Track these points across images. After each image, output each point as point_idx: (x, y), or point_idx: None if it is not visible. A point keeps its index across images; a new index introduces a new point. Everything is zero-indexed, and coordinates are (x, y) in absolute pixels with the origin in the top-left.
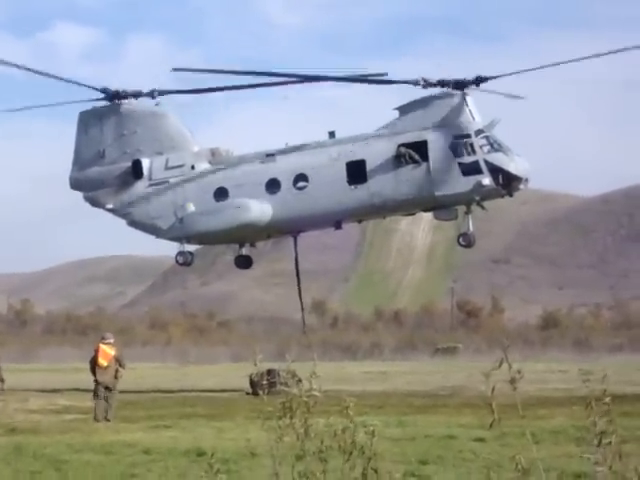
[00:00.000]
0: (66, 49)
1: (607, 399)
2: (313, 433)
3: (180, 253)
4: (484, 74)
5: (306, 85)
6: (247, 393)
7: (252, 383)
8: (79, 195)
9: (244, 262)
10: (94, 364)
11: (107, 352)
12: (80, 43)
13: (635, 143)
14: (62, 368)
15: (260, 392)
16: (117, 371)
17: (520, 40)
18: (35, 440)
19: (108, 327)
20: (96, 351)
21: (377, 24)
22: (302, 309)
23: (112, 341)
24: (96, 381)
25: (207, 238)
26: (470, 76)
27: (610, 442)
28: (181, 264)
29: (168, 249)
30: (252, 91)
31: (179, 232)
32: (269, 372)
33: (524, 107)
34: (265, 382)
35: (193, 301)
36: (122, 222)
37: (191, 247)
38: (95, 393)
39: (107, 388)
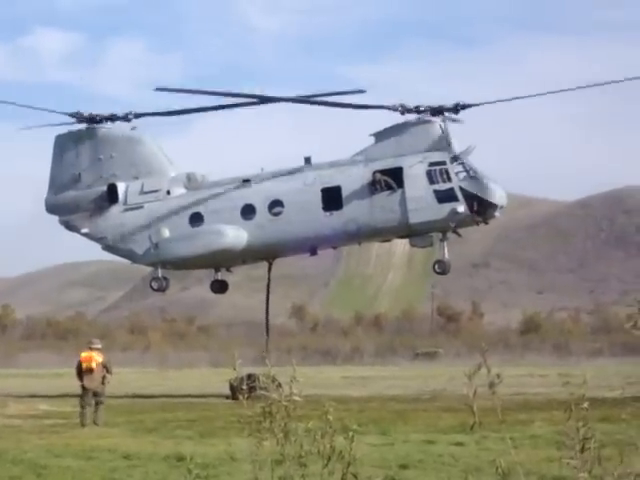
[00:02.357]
0: (46, 54)
1: (585, 404)
2: (293, 438)
3: (155, 279)
4: (463, 101)
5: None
6: (227, 398)
7: (232, 388)
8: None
9: (219, 287)
10: (80, 370)
11: (93, 357)
12: (60, 48)
13: (614, 147)
14: (42, 373)
15: (240, 397)
16: (104, 377)
17: (501, 44)
18: (15, 445)
19: (88, 332)
20: (81, 357)
21: (357, 29)
22: (267, 334)
23: (99, 346)
24: (83, 387)
25: (182, 263)
26: (448, 103)
27: (589, 447)
28: (155, 290)
29: None
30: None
31: (154, 257)
32: (249, 377)
33: (503, 113)
34: (245, 387)
35: (173, 306)
36: None
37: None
38: (82, 399)
39: (95, 394)
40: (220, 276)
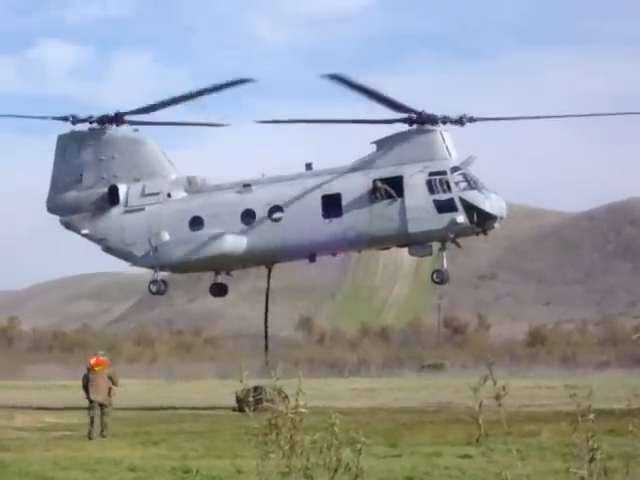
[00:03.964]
0: (53, 66)
1: (591, 416)
2: (299, 450)
3: (153, 282)
4: (470, 114)
5: None
6: (233, 410)
7: (238, 400)
8: None
9: (219, 290)
10: (87, 383)
11: (100, 360)
12: (67, 60)
13: (621, 159)
14: (48, 385)
15: (246, 409)
16: (110, 389)
17: (508, 56)
18: (21, 457)
19: (94, 344)
20: (88, 369)
21: (364, 41)
22: (266, 338)
23: (105, 359)
24: (89, 399)
25: (181, 267)
26: (453, 115)
27: (596, 458)
28: (154, 293)
29: None
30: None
31: (153, 260)
32: (255, 389)
33: (510, 124)
34: (251, 399)
35: (179, 318)
36: None
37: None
38: (89, 411)
39: (101, 405)
40: (220, 279)
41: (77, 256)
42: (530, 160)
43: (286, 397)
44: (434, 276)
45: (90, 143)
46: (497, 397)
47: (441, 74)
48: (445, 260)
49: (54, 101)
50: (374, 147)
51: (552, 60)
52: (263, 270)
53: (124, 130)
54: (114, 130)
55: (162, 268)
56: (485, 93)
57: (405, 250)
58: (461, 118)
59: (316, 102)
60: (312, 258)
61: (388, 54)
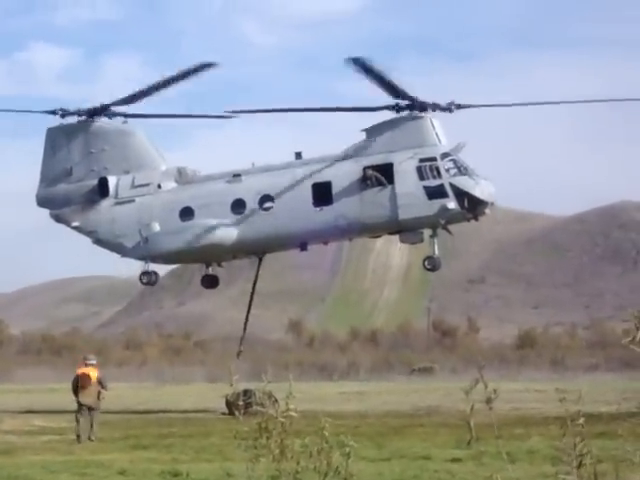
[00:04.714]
0: (43, 69)
1: (581, 420)
2: (289, 454)
3: (144, 273)
4: (458, 100)
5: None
6: (223, 413)
7: (228, 403)
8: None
9: (210, 282)
10: (76, 386)
11: (89, 374)
12: (57, 63)
13: (610, 163)
14: (37, 389)
15: (236, 412)
16: (99, 392)
17: (499, 59)
18: (10, 461)
19: (84, 347)
20: (78, 373)
21: (355, 44)
22: (244, 329)
23: (94, 362)
24: (78, 402)
25: (172, 258)
26: (443, 101)
27: (585, 462)
28: (145, 284)
29: None
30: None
31: (144, 251)
32: (245, 392)
33: (500, 127)
34: (241, 402)
35: (169, 321)
36: None
37: (158, 267)
38: (77, 414)
39: (90, 409)
40: (211, 271)
41: (66, 259)
42: (519, 164)
43: (276, 401)
44: (426, 263)
45: (79, 136)
46: (488, 401)
47: (433, 77)
48: (436, 247)
49: (43, 104)
50: (364, 135)
51: (544, 63)
52: (252, 273)
53: (114, 122)
54: (103, 122)
55: (153, 259)
56: (477, 96)
57: (394, 254)
58: (449, 105)
59: (306, 105)
60: (303, 247)
61: (379, 57)
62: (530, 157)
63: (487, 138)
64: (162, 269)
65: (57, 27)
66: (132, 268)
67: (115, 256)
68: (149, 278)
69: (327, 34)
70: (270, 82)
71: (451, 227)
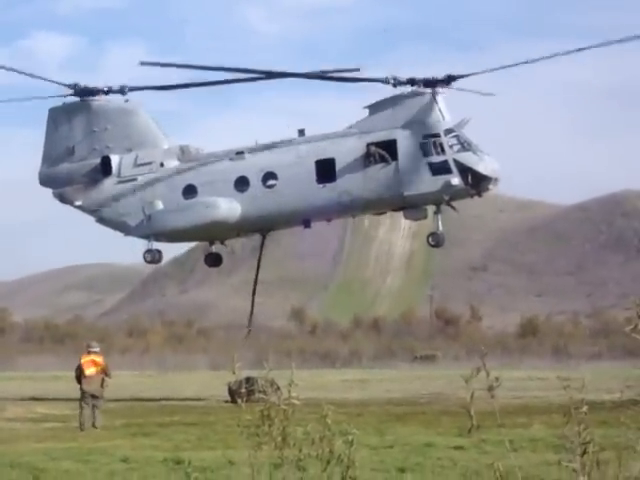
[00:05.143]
0: (46, 57)
1: (584, 408)
2: (291, 441)
3: (148, 251)
4: (454, 73)
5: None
6: (226, 401)
7: (231, 391)
8: (56, 202)
9: (214, 260)
10: (80, 373)
11: (94, 361)
12: (60, 51)
13: (613, 151)
14: (40, 376)
15: (239, 400)
16: (103, 380)
17: (498, 49)
18: (12, 448)
19: (86, 335)
20: (83, 362)
21: (357, 33)
22: (252, 307)
23: (98, 350)
24: (82, 390)
25: (175, 236)
26: (440, 75)
27: (588, 450)
28: (149, 262)
29: None
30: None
31: (147, 229)
32: (248, 380)
33: (502, 115)
34: (244, 390)
35: (172, 309)
36: (101, 230)
37: (161, 247)
38: (81, 402)
39: (93, 396)
40: (215, 249)
41: (69, 247)
42: (522, 152)
43: (278, 388)
44: (430, 239)
45: (82, 115)
46: (490, 389)
47: (433, 66)
48: (440, 223)
49: (46, 93)
50: (366, 112)
51: (543, 52)
52: (254, 262)
53: (116, 101)
54: (105, 101)
55: (156, 237)
56: (477, 85)
57: (397, 242)
58: (448, 77)
59: (309, 93)
60: (307, 224)
61: (380, 46)
62: (532, 145)
63: (489, 126)
64: (165, 256)
65: (60, 15)
66: (135, 256)
67: (118, 244)
68: (153, 256)
69: (330, 22)
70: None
71: (454, 213)
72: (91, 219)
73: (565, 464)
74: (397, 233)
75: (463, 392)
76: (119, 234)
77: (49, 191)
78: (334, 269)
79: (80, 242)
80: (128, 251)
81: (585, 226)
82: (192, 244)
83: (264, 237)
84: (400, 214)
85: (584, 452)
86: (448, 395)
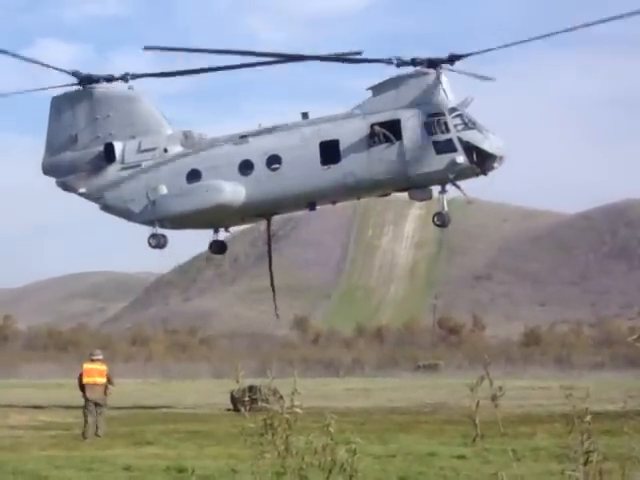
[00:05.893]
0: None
1: (588, 418)
2: (294, 450)
3: (153, 236)
4: (457, 52)
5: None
6: (228, 410)
7: (233, 400)
8: (60, 210)
9: (219, 247)
10: (82, 381)
11: (97, 369)
12: (65, 59)
13: (616, 161)
14: (43, 384)
15: (242, 409)
16: (106, 388)
17: (505, 58)
18: (15, 456)
19: (90, 343)
20: (85, 370)
21: (361, 41)
22: (273, 292)
23: (101, 357)
24: (85, 398)
25: (180, 220)
26: (443, 54)
27: (591, 460)
28: (154, 247)
29: (150, 265)
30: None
31: (151, 215)
32: (250, 389)
33: (505, 124)
34: (247, 399)
35: (175, 317)
36: (105, 238)
37: (165, 262)
38: (85, 410)
39: (97, 404)
40: (219, 237)
41: (73, 255)
42: (526, 161)
43: (281, 397)
44: (435, 219)
45: (84, 103)
46: (493, 398)
47: None
48: (446, 203)
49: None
50: (370, 93)
51: (550, 62)
52: (258, 270)
53: (118, 88)
54: (108, 88)
55: (160, 223)
56: (483, 94)
57: (400, 251)
58: (451, 56)
59: (314, 101)
60: (312, 207)
61: (386, 54)
62: (536, 155)
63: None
64: (169, 265)
65: (65, 23)
66: (138, 264)
67: (122, 252)
68: (157, 241)
69: (334, 31)
70: (277, 78)
71: (458, 222)
72: (94, 227)
73: (568, 473)
74: (400, 242)
75: (466, 401)
76: (124, 242)
77: (54, 198)
78: (337, 278)
79: (85, 250)
80: (132, 259)
81: (589, 235)
82: (195, 253)
83: (269, 221)
84: (402, 225)
85: (587, 462)
86: (451, 404)
